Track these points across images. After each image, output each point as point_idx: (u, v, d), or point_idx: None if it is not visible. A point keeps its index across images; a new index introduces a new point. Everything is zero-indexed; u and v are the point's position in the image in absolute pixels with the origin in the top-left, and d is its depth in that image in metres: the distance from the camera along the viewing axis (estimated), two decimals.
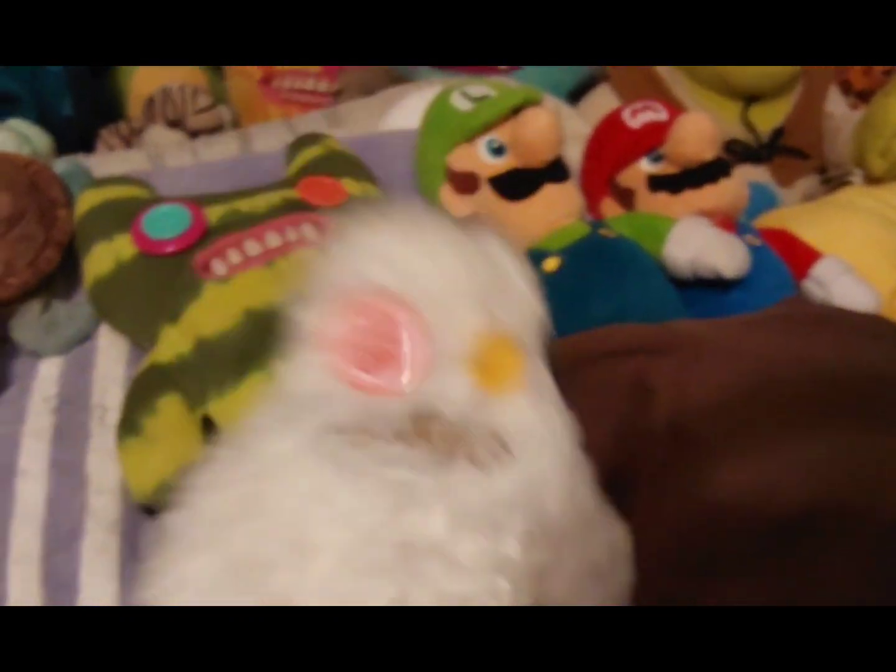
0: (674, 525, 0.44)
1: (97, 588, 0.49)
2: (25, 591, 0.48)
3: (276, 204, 0.61)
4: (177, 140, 0.96)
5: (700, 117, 0.66)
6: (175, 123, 1.00)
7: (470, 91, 0.69)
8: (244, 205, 0.60)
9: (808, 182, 0.91)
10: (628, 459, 0.46)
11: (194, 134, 1.00)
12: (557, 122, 0.64)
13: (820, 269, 0.67)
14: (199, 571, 0.38)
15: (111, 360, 0.60)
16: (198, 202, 0.61)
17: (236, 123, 1.07)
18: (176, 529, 0.40)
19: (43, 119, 0.91)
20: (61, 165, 0.69)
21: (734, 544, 0.43)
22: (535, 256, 0.63)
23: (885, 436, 0.45)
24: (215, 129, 1.02)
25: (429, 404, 0.40)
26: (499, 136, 0.67)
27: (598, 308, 0.60)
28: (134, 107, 1.09)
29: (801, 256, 0.68)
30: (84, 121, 1.02)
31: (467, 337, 0.40)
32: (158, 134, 0.97)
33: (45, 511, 0.52)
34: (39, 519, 0.51)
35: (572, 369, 0.46)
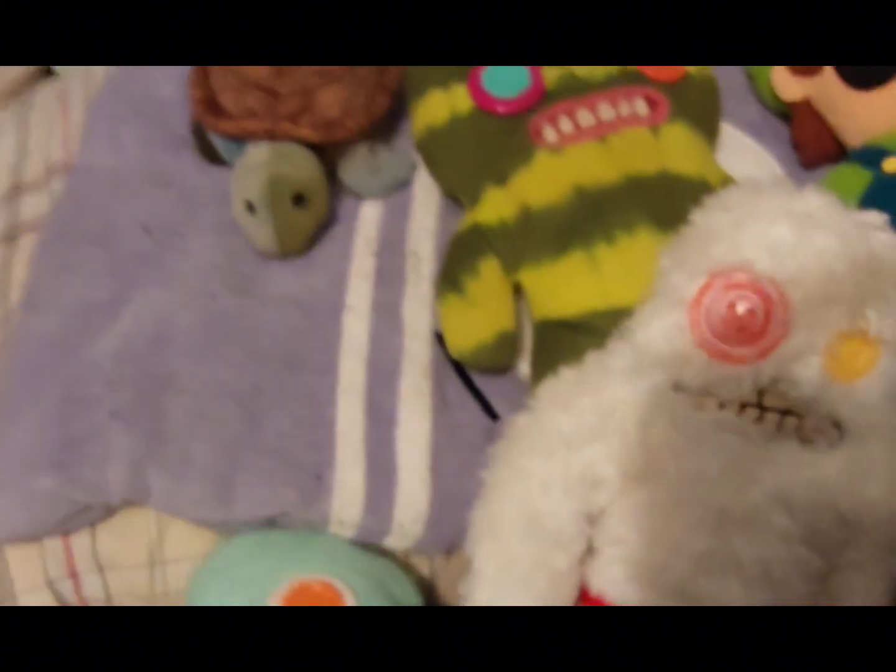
0: None
1: (413, 424, 0.53)
2: (351, 419, 0.53)
3: (613, 72, 0.59)
4: None
5: None
6: None
7: None
8: (581, 70, 0.59)
9: None
10: None
11: None
12: None
13: None
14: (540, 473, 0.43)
15: (426, 210, 0.62)
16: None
17: None
18: (518, 431, 0.45)
19: None
20: None
21: None
22: (875, 154, 0.59)
23: None
24: None
25: (777, 381, 0.41)
26: None
27: None
28: None
29: None
30: None
31: (828, 333, 0.41)
32: None
33: (368, 348, 0.56)
34: (363, 354, 0.56)
35: None
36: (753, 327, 0.40)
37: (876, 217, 0.42)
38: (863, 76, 0.60)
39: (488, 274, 0.55)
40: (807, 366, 0.41)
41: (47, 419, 0.52)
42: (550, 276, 0.53)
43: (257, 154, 0.58)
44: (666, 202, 0.54)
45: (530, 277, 0.54)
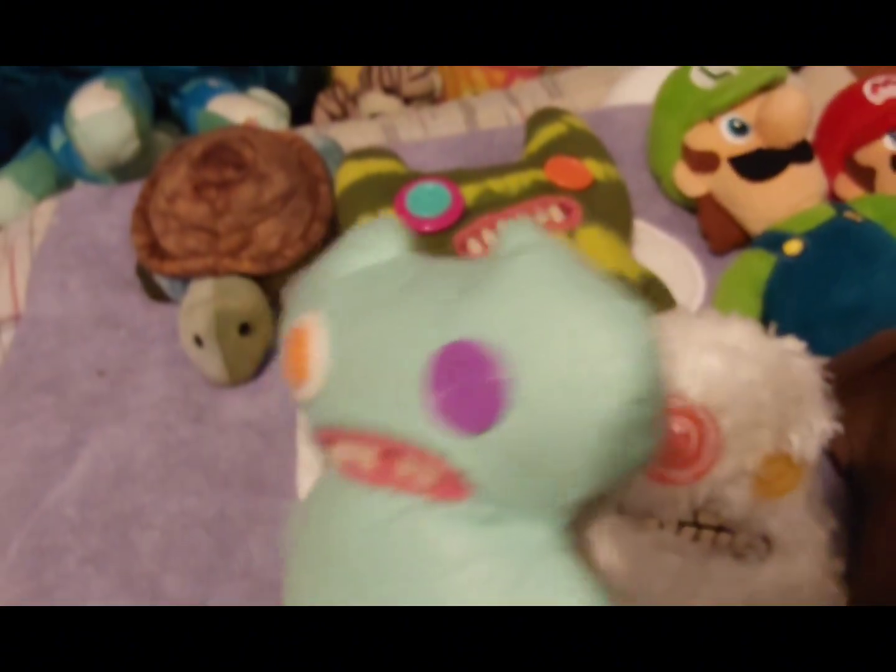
0: None
1: None
2: None
3: (526, 185, 0.64)
4: (395, 107, 1.01)
5: None
6: (390, 90, 1.04)
7: (710, 68, 0.68)
8: (496, 184, 0.63)
9: None
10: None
11: (407, 100, 1.04)
12: (808, 102, 0.63)
13: None
14: None
15: None
16: (454, 179, 0.64)
17: (445, 88, 1.10)
18: None
19: (271, 87, 0.97)
20: (317, 140, 0.74)
21: None
22: (776, 238, 0.64)
23: None
24: (427, 96, 1.05)
25: (711, 501, 0.44)
26: (741, 114, 0.66)
27: (842, 294, 0.59)
28: (346, 72, 1.14)
29: None
30: (306, 89, 1.08)
31: (756, 456, 0.44)
32: (376, 100, 1.02)
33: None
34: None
35: (848, 383, 0.47)
36: (688, 451, 0.44)
37: (795, 344, 0.46)
38: (756, 169, 0.66)
39: None
40: (737, 486, 0.44)
41: (16, 570, 0.52)
42: None
43: (202, 290, 0.61)
44: None
45: None
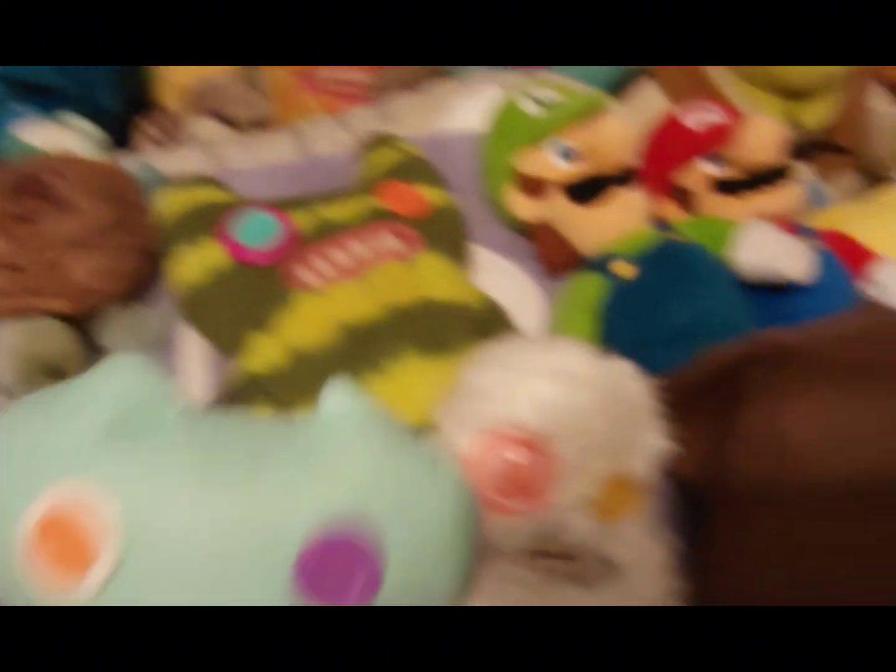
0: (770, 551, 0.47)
1: None
2: None
3: (358, 212, 0.62)
4: (224, 134, 0.97)
5: (771, 123, 0.67)
6: (219, 116, 1.00)
7: (537, 94, 0.69)
8: (328, 212, 0.61)
9: (850, 179, 0.93)
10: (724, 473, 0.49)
11: (238, 126, 1.00)
12: (630, 128, 0.65)
13: (877, 272, 0.69)
14: None
15: (193, 364, 0.61)
16: (282, 207, 0.61)
17: (276, 115, 1.07)
18: None
19: (84, 112, 0.91)
20: (133, 166, 0.69)
21: None
22: (604, 261, 0.65)
23: None
24: (259, 122, 1.02)
25: (551, 529, 0.45)
26: (567, 140, 0.68)
27: (675, 315, 0.61)
28: (169, 96, 1.09)
29: (857, 258, 0.70)
30: (125, 113, 1.02)
31: (594, 481, 0.45)
32: (205, 127, 0.97)
33: None
34: None
35: (683, 402, 0.48)
36: (526, 480, 0.43)
37: (628, 367, 0.47)
38: (584, 194, 0.67)
39: None
40: (578, 512, 0.44)
41: None
42: None
43: (7, 335, 0.55)
44: (428, 327, 0.56)
45: None
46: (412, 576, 0.32)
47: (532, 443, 0.43)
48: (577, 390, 0.44)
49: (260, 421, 0.36)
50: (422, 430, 0.48)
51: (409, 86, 1.00)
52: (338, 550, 0.30)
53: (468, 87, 0.86)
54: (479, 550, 0.43)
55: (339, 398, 0.35)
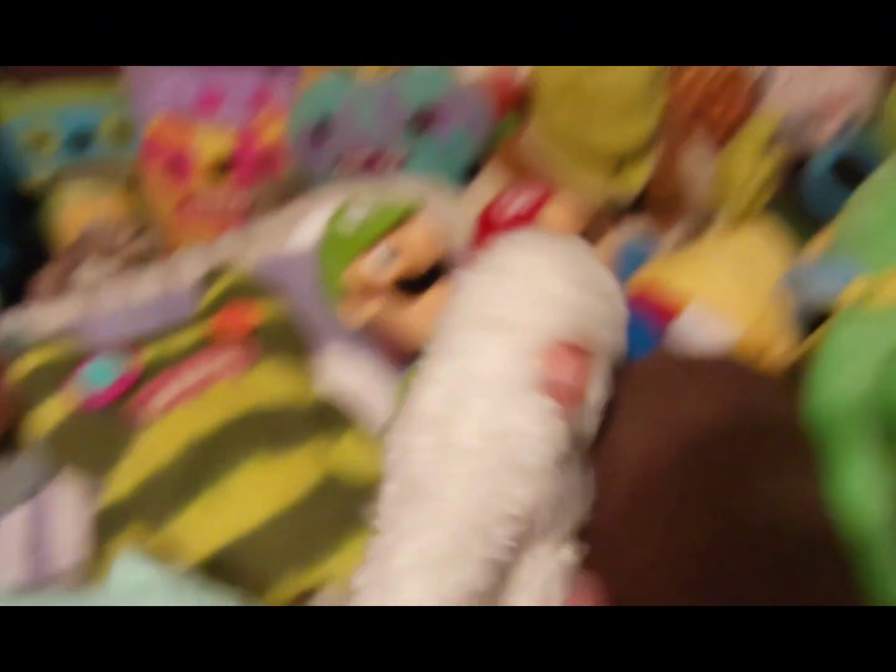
0: None
1: None
2: None
3: (194, 340, 0.69)
4: (109, 272, 1.03)
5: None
6: (107, 254, 1.07)
7: (352, 215, 0.76)
8: (171, 344, 0.69)
9: (683, 226, 1.01)
10: None
11: (126, 263, 1.07)
12: (434, 230, 0.73)
13: (680, 324, 0.76)
14: None
15: (65, 507, 0.67)
16: (136, 345, 0.70)
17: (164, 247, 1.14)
18: None
19: None
20: (4, 327, 0.76)
21: None
22: None
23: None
24: (147, 256, 1.09)
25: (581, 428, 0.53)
26: (388, 243, 0.74)
27: None
28: (60, 244, 1.16)
29: (662, 315, 0.77)
30: (23, 267, 1.08)
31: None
32: (89, 271, 1.04)
33: None
34: None
35: None
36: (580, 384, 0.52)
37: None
38: (407, 290, 0.74)
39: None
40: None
41: None
42: (181, 530, 0.60)
43: None
44: (269, 431, 0.63)
45: (166, 536, 0.60)
46: None
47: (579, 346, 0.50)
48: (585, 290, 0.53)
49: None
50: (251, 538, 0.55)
51: (284, 199, 1.07)
52: None
53: (315, 202, 0.93)
54: None
55: (128, 568, 0.39)
